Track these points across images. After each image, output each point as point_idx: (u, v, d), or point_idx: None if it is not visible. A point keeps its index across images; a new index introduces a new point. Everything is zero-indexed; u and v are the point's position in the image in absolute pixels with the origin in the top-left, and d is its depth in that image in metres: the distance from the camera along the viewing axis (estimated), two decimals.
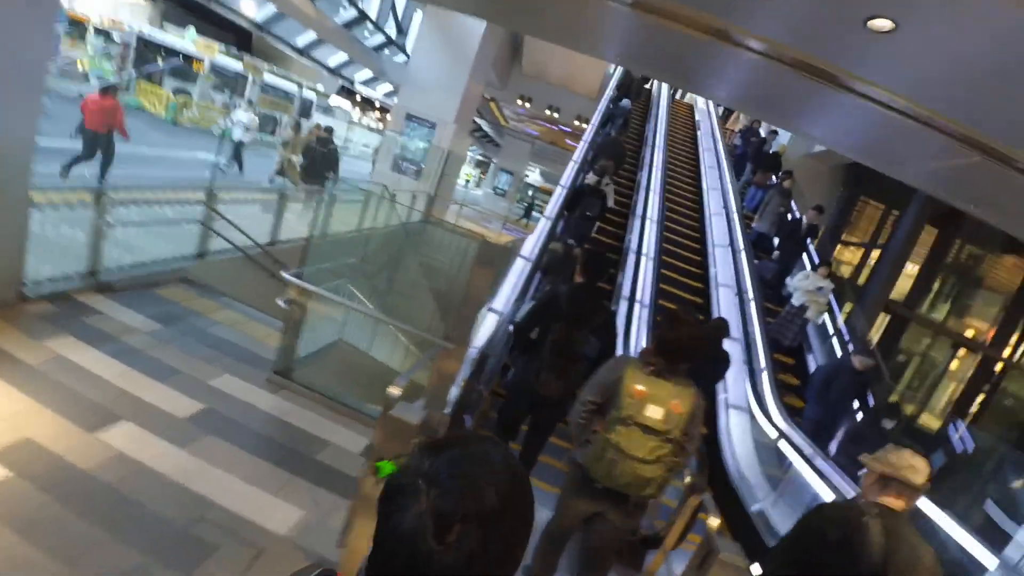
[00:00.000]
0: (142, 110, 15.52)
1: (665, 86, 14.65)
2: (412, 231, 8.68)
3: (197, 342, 4.43)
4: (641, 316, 6.12)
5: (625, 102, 10.35)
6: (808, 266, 8.31)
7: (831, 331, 7.22)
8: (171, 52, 15.81)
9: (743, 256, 7.54)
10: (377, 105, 24.30)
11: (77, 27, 14.95)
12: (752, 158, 11.28)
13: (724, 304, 7.02)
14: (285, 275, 3.86)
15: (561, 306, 3.00)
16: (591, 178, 6.55)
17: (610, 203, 6.66)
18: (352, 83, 15.76)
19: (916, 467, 1.84)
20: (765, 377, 5.54)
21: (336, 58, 13.93)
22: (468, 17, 12.29)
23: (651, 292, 6.66)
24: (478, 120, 25.15)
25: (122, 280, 4.96)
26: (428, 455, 0.60)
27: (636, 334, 5.86)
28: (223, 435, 3.43)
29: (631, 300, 6.56)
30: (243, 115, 12.97)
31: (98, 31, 15.33)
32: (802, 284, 6.98)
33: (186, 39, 15.94)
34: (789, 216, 9.08)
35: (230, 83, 17.57)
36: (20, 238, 4.00)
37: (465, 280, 8.55)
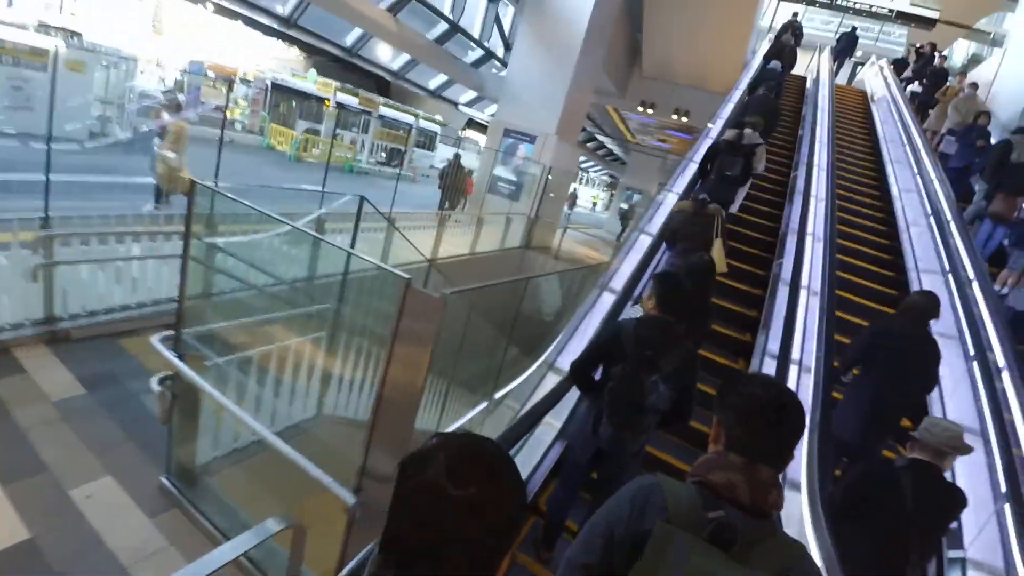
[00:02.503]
0: (272, 149, 16.56)
1: (826, 60, 11.49)
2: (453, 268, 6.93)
3: (110, 418, 3.27)
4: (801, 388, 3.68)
5: (775, 63, 8.06)
6: None
7: None
8: (298, 93, 16.71)
9: (977, 294, 4.60)
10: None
11: (227, 80, 16.45)
12: (984, 172, 6.65)
13: (950, 382, 4.17)
14: (154, 341, 2.48)
15: (624, 343, 2.22)
16: (729, 133, 4.88)
17: (760, 168, 4.95)
18: (456, 105, 15.13)
19: (947, 429, 2.29)
20: None
21: (436, 80, 13.27)
22: (567, 20, 10.80)
23: (818, 348, 4.08)
24: (601, 138, 23.38)
25: (83, 328, 4.09)
26: (439, 438, 0.68)
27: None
28: None
29: (783, 361, 4.09)
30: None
31: (243, 81, 16.78)
32: None
33: (308, 80, 16.71)
34: None
35: (355, 120, 18.21)
36: None
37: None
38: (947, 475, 2.56)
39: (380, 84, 21.50)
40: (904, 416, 3.28)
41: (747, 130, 4.87)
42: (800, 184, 6.44)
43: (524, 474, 2.72)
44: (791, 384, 3.48)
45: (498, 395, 3.79)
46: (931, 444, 2.30)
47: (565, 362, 4.32)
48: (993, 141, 7.36)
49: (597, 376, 2.41)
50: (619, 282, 4.85)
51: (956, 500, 2.34)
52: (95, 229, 4.04)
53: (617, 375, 2.20)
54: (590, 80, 12.11)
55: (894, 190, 7.37)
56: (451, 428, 3.41)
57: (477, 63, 12.89)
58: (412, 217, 8.43)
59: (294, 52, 19.55)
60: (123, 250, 4.33)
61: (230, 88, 16.84)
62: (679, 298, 2.25)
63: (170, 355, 2.44)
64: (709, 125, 7.80)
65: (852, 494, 2.44)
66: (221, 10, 13.82)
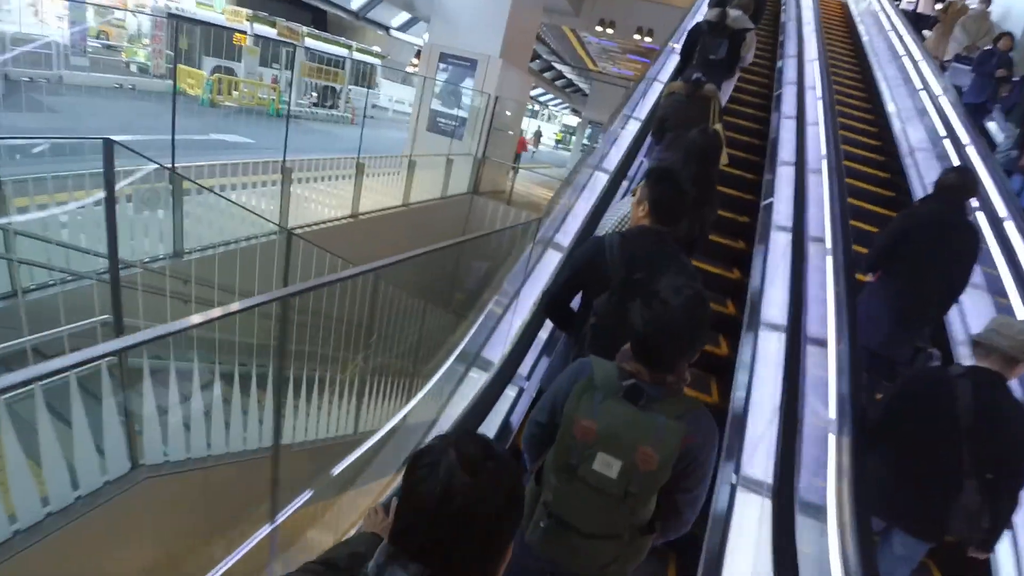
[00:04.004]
0: (183, 94, 14.36)
1: None
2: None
3: None
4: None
5: None
6: None
7: None
8: (203, 25, 14.34)
9: (1015, 236, 3.60)
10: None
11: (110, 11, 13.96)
12: (1011, 113, 5.48)
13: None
14: None
15: (608, 264, 1.71)
16: (710, 13, 4.23)
17: (749, 58, 4.30)
18: (387, 30, 13.13)
19: (1011, 327, 1.88)
20: None
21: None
22: None
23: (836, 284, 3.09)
24: (560, 67, 21.51)
25: None
26: (444, 436, 0.70)
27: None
28: None
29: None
30: None
31: (132, 12, 14.28)
32: None
33: (215, 10, 14.30)
34: None
35: (276, 55, 15.92)
36: None
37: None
38: None
39: (316, 17, 19.08)
40: (936, 313, 2.81)
41: (732, 11, 4.13)
42: (786, 107, 5.28)
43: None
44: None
45: (342, 466, 2.66)
46: (1000, 349, 1.88)
47: (494, 354, 3.28)
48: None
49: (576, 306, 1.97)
50: (566, 234, 3.75)
51: (1017, 425, 1.85)
52: None
53: (601, 307, 1.73)
54: None
55: (890, 107, 6.30)
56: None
57: None
58: (328, 165, 6.94)
59: None
60: None
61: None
62: (680, 205, 1.76)
63: None
64: (673, 45, 6.50)
65: (894, 405, 2.04)
66: None
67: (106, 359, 2.40)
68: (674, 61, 5.86)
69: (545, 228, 3.83)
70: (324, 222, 6.24)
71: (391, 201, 7.77)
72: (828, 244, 2.77)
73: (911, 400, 2.00)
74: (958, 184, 2.70)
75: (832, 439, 2.03)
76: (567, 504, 1.27)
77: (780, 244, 3.13)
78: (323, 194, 6.76)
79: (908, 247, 2.64)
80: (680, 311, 1.16)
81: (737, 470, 2.15)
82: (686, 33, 4.33)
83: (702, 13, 7.05)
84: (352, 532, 1.85)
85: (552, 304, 1.98)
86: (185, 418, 2.89)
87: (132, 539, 2.80)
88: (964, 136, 4.82)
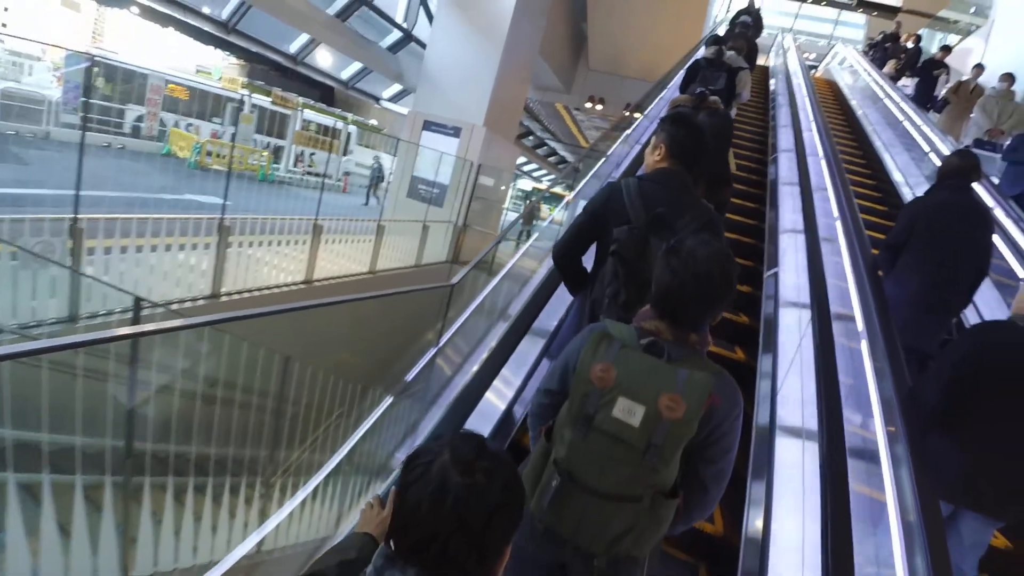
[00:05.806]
0: (173, 156, 14.29)
1: (792, 51, 10.08)
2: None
3: None
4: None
5: (745, 17, 7.13)
6: None
7: None
8: (201, 93, 14.48)
9: None
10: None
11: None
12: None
13: None
14: None
15: (626, 204, 1.63)
16: (708, 50, 4.36)
17: (745, 95, 4.49)
18: (377, 100, 13.17)
19: None
20: None
21: (349, 69, 11.30)
22: None
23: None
24: (552, 144, 21.85)
25: None
26: (444, 437, 0.71)
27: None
28: None
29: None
30: None
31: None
32: None
33: (213, 77, 14.48)
34: None
35: (275, 123, 16.05)
36: None
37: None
38: None
39: (324, 93, 19.61)
40: (961, 298, 2.69)
41: (728, 52, 4.40)
42: (784, 170, 4.75)
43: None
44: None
45: None
46: None
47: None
48: None
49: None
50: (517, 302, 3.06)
51: None
52: None
53: (623, 234, 1.58)
54: (524, 66, 10.41)
55: (896, 176, 5.80)
56: None
57: (395, 47, 11.02)
58: (279, 227, 6.30)
59: (224, 58, 17.38)
60: None
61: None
62: (699, 146, 1.68)
63: None
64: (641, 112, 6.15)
65: (963, 372, 1.73)
66: (150, 14, 11.44)
67: None
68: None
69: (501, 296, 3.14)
70: (267, 288, 5.54)
71: (356, 267, 7.12)
72: (860, 326, 2.03)
73: (986, 362, 1.73)
74: (963, 167, 2.64)
75: None
76: (582, 458, 1.12)
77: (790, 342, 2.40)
78: (275, 256, 6.11)
79: (921, 238, 2.59)
80: (710, 262, 1.09)
81: None
82: (685, 69, 4.31)
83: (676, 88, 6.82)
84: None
85: (563, 256, 1.79)
86: None
87: None
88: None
